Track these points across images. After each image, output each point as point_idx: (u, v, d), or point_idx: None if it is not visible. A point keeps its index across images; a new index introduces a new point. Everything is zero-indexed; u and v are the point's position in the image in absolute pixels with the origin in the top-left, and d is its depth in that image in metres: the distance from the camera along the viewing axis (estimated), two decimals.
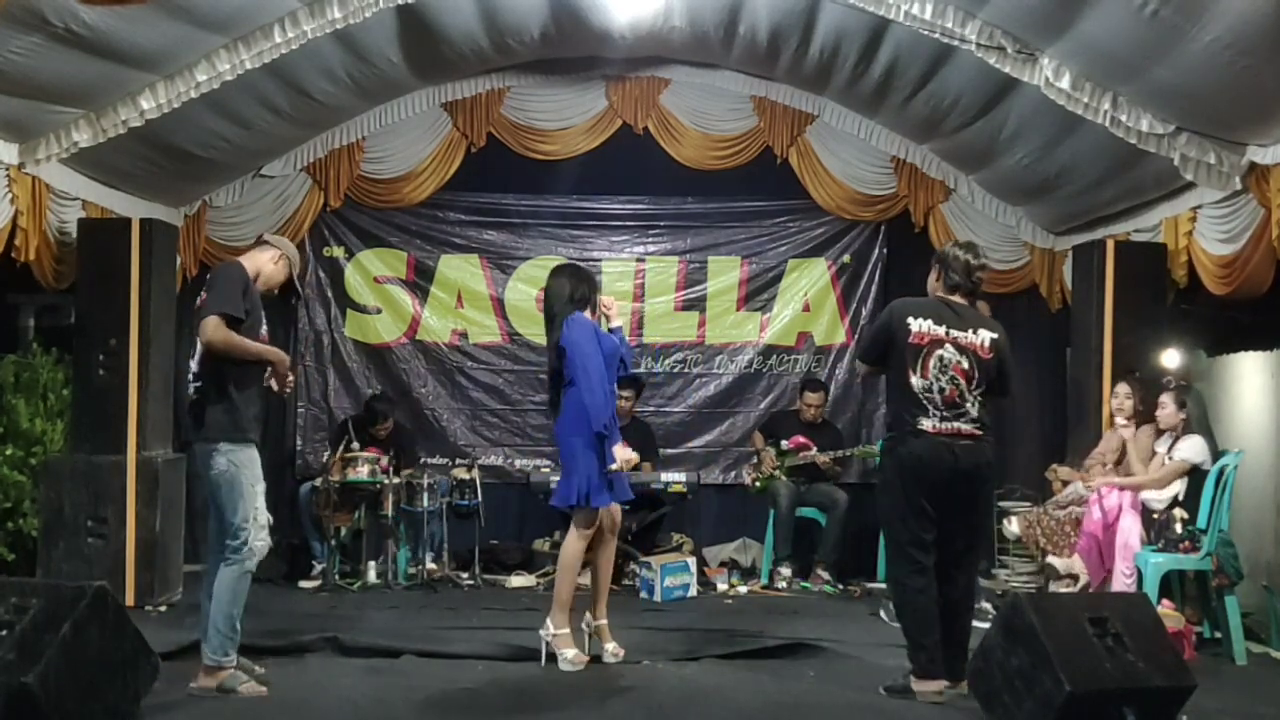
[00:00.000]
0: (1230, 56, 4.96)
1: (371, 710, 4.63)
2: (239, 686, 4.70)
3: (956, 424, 4.77)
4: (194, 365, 4.86)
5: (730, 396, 8.78)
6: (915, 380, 4.77)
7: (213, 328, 4.67)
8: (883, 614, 6.51)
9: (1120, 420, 6.39)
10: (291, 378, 5.06)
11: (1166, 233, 6.80)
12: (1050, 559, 6.25)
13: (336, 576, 7.32)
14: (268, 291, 5.04)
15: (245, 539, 4.72)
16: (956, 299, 4.94)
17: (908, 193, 8.59)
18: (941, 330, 4.82)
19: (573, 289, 5.42)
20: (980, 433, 4.81)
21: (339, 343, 8.69)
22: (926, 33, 6.09)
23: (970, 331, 4.85)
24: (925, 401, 4.76)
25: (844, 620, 6.56)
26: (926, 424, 4.75)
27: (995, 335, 4.88)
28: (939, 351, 4.79)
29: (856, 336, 8.74)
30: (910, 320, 4.83)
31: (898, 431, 4.87)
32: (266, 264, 5.00)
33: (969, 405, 4.78)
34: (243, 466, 4.74)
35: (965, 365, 4.79)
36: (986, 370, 4.83)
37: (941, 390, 4.76)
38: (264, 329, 4.97)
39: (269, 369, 4.87)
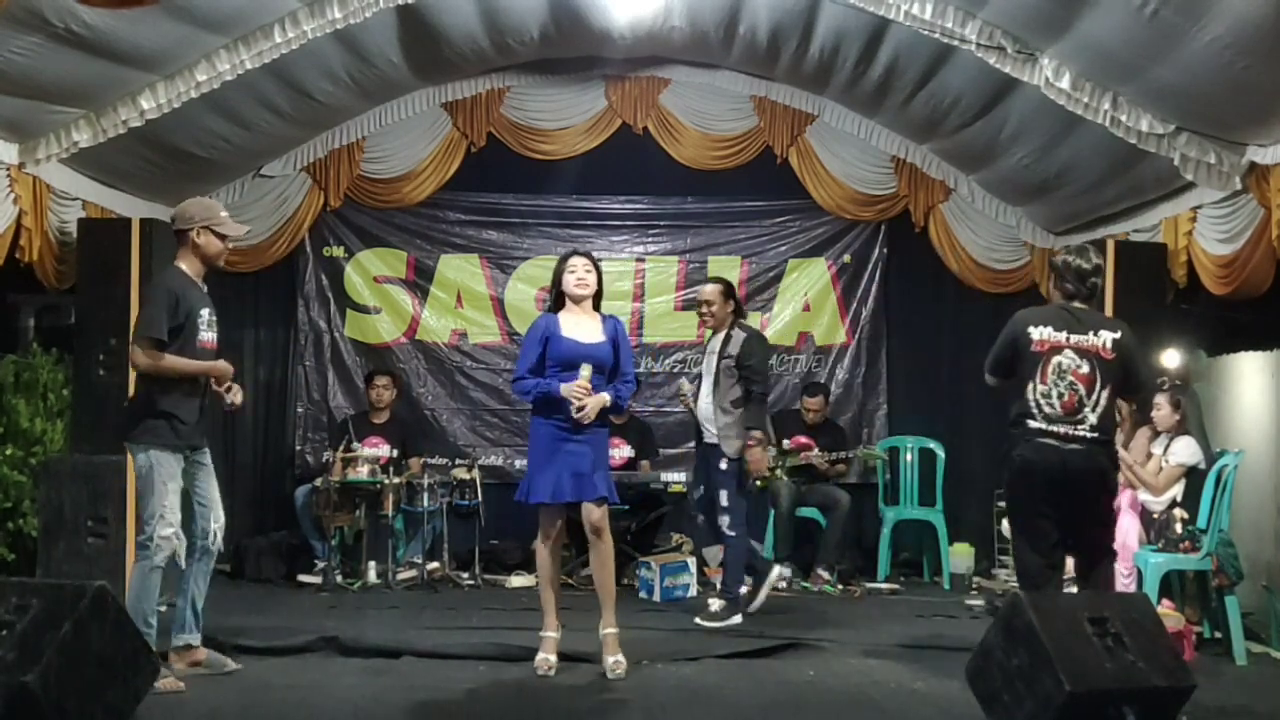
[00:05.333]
0: (1230, 56, 4.96)
1: (371, 710, 4.63)
2: (158, 681, 4.62)
3: (1070, 429, 4.74)
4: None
5: None
6: (1035, 387, 4.78)
7: (136, 355, 4.88)
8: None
9: None
10: (237, 392, 5.08)
11: (1166, 233, 6.79)
12: None
13: (337, 576, 7.32)
14: (223, 258, 5.13)
15: (150, 534, 4.83)
16: (1076, 304, 4.93)
17: (908, 193, 8.60)
18: (1061, 336, 4.81)
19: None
20: (1095, 439, 4.75)
21: (339, 342, 8.70)
22: (926, 33, 6.10)
23: (1091, 334, 4.82)
24: (1039, 408, 4.77)
25: (844, 620, 6.55)
26: (1035, 426, 4.77)
27: (1117, 335, 4.83)
28: (1057, 358, 4.79)
29: (857, 336, 8.76)
30: (1031, 329, 4.85)
31: (1012, 434, 4.88)
32: (197, 252, 5.01)
33: (1088, 411, 4.74)
34: (158, 466, 4.86)
35: (1085, 370, 4.77)
36: (1111, 372, 4.79)
37: (1061, 396, 4.75)
38: (204, 334, 5.02)
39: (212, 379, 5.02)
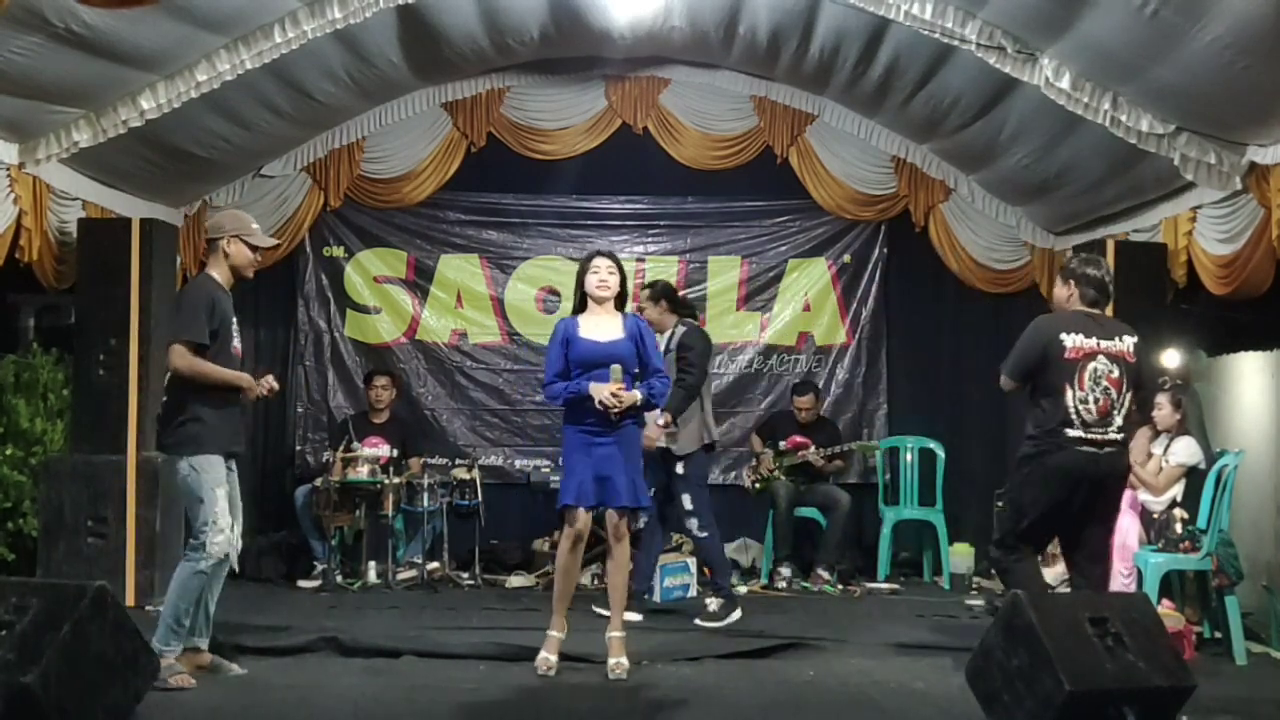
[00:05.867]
0: (1230, 56, 4.96)
1: (371, 710, 4.63)
2: (170, 678, 4.69)
3: (1102, 434, 4.90)
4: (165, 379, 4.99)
5: (730, 396, 8.77)
6: (1071, 394, 4.89)
7: (178, 356, 4.86)
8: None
9: None
10: (263, 390, 5.06)
11: (1166, 232, 6.79)
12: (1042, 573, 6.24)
13: (337, 576, 7.32)
14: (252, 269, 5.16)
15: (203, 540, 4.84)
16: (1095, 311, 5.06)
17: (908, 193, 8.60)
18: (1093, 342, 4.95)
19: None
20: (1121, 440, 4.95)
21: (339, 342, 8.69)
22: (926, 33, 6.09)
23: (1117, 339, 4.99)
24: (1077, 414, 4.89)
25: (844, 620, 6.56)
26: (1074, 434, 4.88)
27: (1135, 339, 5.04)
28: (1092, 364, 4.92)
29: (858, 336, 8.76)
30: (1063, 336, 4.94)
31: (1044, 440, 4.95)
32: (228, 261, 5.04)
33: (1116, 414, 4.92)
34: (203, 472, 4.85)
35: (1116, 374, 4.93)
36: (1133, 374, 4.98)
37: (1096, 401, 4.90)
38: (236, 341, 5.07)
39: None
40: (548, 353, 5.33)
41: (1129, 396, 4.96)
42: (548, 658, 5.18)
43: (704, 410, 6.51)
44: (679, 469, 6.39)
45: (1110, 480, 4.95)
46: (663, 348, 6.52)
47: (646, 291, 6.73)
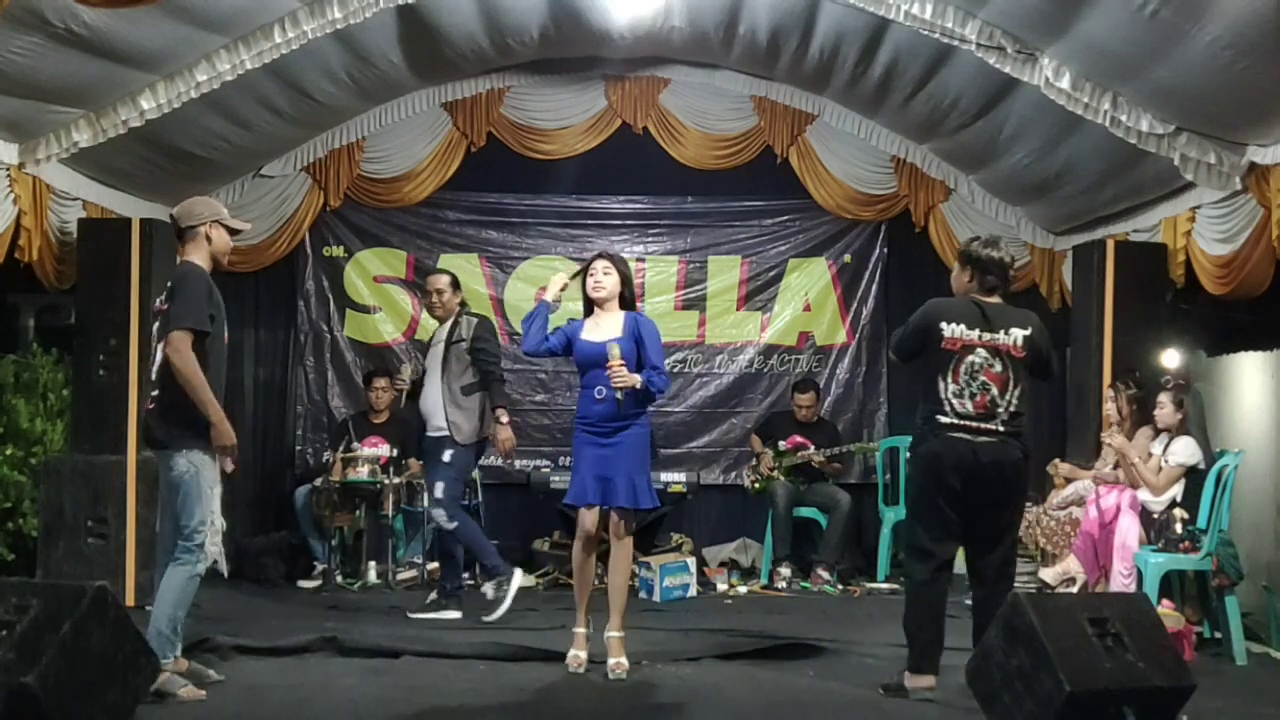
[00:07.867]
0: (1230, 56, 4.96)
1: (371, 710, 4.62)
2: (178, 690, 4.59)
3: (982, 424, 4.73)
4: (154, 372, 4.81)
5: (731, 396, 8.78)
6: (946, 386, 4.75)
7: (179, 341, 4.63)
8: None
9: (1104, 435, 6.39)
10: (233, 465, 4.89)
11: (1165, 232, 6.80)
12: (1041, 573, 6.25)
13: (337, 576, 7.32)
14: (226, 259, 5.02)
15: (200, 541, 4.68)
16: (992, 299, 4.87)
17: (908, 192, 8.60)
18: (974, 334, 4.77)
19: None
20: (1007, 433, 4.75)
21: (339, 342, 8.69)
22: (926, 33, 6.10)
23: (1002, 333, 4.79)
24: (954, 407, 4.74)
25: (844, 620, 6.56)
26: (946, 421, 4.74)
27: (1028, 332, 4.81)
28: (970, 357, 4.75)
29: (858, 336, 8.76)
30: (943, 325, 4.78)
31: (922, 427, 4.86)
32: (211, 247, 4.87)
33: (1000, 409, 4.74)
34: (203, 468, 4.71)
35: (998, 369, 4.76)
36: (1022, 369, 4.80)
37: (973, 396, 4.74)
38: (225, 331, 4.94)
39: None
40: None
41: (1016, 392, 4.75)
42: (578, 654, 5.22)
43: (482, 406, 6.48)
44: (445, 456, 6.37)
45: (990, 471, 4.69)
46: (443, 338, 6.54)
47: (447, 277, 6.73)
